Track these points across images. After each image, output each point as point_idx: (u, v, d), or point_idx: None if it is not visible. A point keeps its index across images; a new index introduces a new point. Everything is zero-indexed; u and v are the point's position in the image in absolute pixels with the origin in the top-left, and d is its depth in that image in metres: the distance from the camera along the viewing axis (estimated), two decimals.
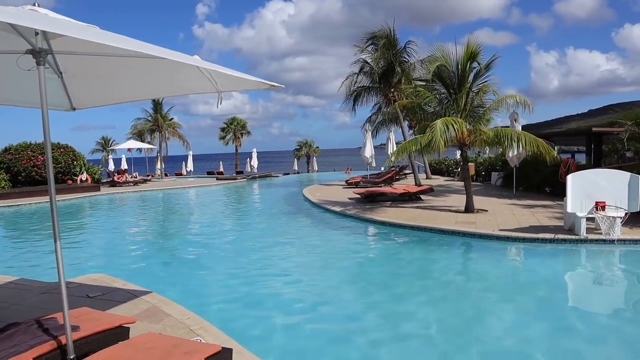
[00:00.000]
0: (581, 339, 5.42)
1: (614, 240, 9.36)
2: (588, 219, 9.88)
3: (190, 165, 41.76)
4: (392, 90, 24.07)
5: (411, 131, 27.41)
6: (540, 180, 17.85)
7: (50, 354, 3.89)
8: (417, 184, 21.72)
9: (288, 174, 42.26)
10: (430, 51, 14.45)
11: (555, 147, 18.81)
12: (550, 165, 15.78)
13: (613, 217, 9.51)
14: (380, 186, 21.11)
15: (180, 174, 42.86)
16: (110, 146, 49.94)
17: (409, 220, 12.27)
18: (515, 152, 16.54)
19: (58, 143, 27.55)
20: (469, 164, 25.44)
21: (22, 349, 3.82)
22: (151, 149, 39.96)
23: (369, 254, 10.52)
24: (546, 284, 7.76)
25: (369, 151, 24.10)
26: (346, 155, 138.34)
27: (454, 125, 12.38)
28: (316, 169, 45.19)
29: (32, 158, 25.67)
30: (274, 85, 4.28)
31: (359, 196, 17.12)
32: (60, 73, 4.58)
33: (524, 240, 9.99)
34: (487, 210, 13.56)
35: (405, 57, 24.17)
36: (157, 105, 40.98)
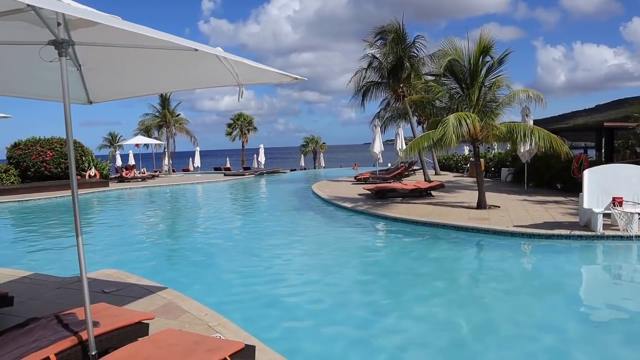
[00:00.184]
0: (611, 336, 5.33)
1: (632, 236, 9.22)
2: (604, 215, 9.75)
3: (197, 161, 41.80)
4: (401, 85, 23.90)
5: (420, 127, 27.27)
6: (552, 176, 17.68)
7: (72, 349, 3.85)
8: (427, 180, 21.58)
9: (295, 170, 42.19)
10: (437, 46, 14.35)
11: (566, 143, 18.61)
12: (561, 161, 15.62)
13: (631, 213, 9.37)
14: (390, 182, 21.01)
15: (188, 170, 42.91)
16: (118, 142, 50.09)
17: (422, 216, 12.16)
18: (527, 148, 16.36)
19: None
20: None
21: (43, 344, 3.78)
22: (159, 144, 39.99)
23: (386, 251, 10.36)
24: (567, 281, 7.68)
25: (378, 147, 23.97)
26: (352, 151, 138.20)
27: (467, 121, 12.24)
28: (323, 165, 45.10)
29: (41, 153, 25.71)
30: (297, 78, 4.20)
31: (369, 192, 17.02)
32: (79, 65, 4.52)
33: (539, 236, 9.87)
34: (499, 207, 13.43)
35: (414, 52, 24.01)
36: (164, 100, 41.00)
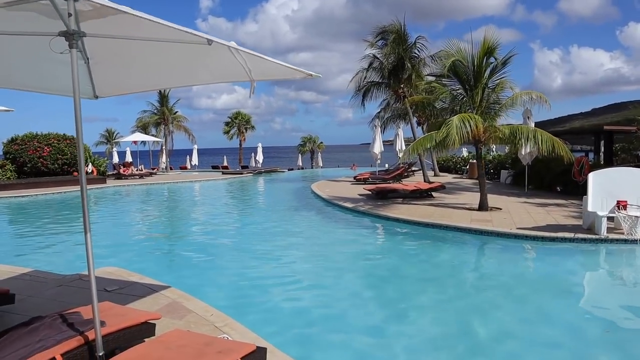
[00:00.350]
0: (623, 341, 5.26)
1: (637, 240, 9.18)
2: (608, 219, 9.71)
3: (195, 159, 41.60)
4: (401, 86, 23.83)
5: (419, 128, 27.22)
6: (552, 179, 17.66)
7: (78, 350, 3.75)
8: (426, 181, 21.53)
9: (292, 169, 42.07)
10: (436, 47, 14.30)
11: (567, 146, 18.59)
12: (562, 164, 15.58)
13: (635, 216, 9.33)
14: (389, 183, 20.94)
15: (185, 168, 42.70)
16: (115, 139, 49.85)
17: (424, 217, 12.10)
18: (528, 150, 16.32)
19: (64, 134, 27.39)
20: None
21: (48, 344, 3.67)
22: (157, 142, 39.79)
23: (391, 252, 10.19)
24: (573, 285, 7.66)
25: (378, 147, 23.89)
26: (349, 151, 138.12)
27: (470, 122, 12.18)
28: (321, 165, 45.01)
29: (38, 149, 25.52)
30: (311, 75, 4.11)
31: (369, 192, 16.94)
32: (87, 59, 4.42)
33: (542, 239, 9.82)
34: (500, 209, 13.38)
35: (415, 53, 23.95)
36: (163, 98, 40.79)
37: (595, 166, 15.89)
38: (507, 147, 28.11)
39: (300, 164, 45.40)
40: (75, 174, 26.44)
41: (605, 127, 20.52)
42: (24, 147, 25.35)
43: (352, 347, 5.13)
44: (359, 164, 40.94)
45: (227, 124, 45.77)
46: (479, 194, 13.65)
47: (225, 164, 42.67)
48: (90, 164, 27.30)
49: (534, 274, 8.30)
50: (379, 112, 29.02)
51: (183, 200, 21.37)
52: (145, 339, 4.40)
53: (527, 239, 9.97)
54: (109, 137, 54.74)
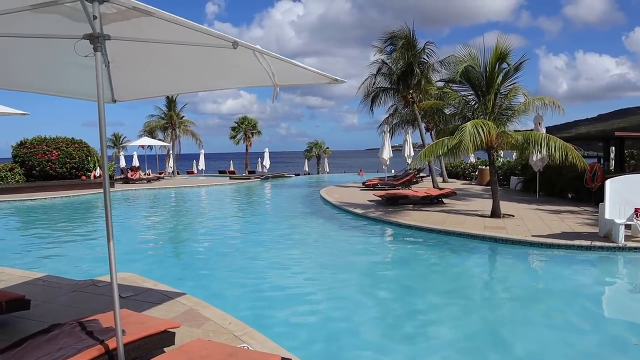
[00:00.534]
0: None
1: None
2: (625, 226, 9.55)
3: (201, 164, 41.60)
4: (410, 91, 23.73)
5: (428, 133, 27.11)
6: (564, 185, 17.48)
7: (99, 358, 3.66)
8: (436, 187, 21.39)
9: (299, 174, 41.97)
10: (443, 53, 14.20)
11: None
12: (574, 170, 15.40)
13: None
14: (399, 189, 20.82)
15: (192, 172, 42.71)
16: (122, 143, 49.97)
17: (436, 224, 11.97)
18: (540, 157, 16.18)
19: (72, 138, 27.44)
20: (487, 168, 25.13)
21: (69, 353, 3.59)
22: (164, 146, 39.85)
23: (408, 260, 9.90)
24: (594, 295, 7.54)
25: (387, 153, 23.78)
26: (355, 157, 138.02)
27: (483, 128, 12.07)
28: (327, 171, 44.89)
29: (47, 153, 25.56)
30: (336, 80, 4.02)
31: (379, 198, 16.83)
32: (108, 62, 4.36)
33: (558, 247, 9.67)
34: (513, 215, 13.24)
35: (424, 58, 23.86)
36: (170, 102, 40.90)
37: (607, 173, 15.72)
38: (515, 153, 28.02)
39: (307, 169, 45.28)
40: (84, 178, 26.48)
41: (617, 134, 20.33)
42: (32, 150, 25.39)
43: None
44: (365, 170, 40.83)
45: (233, 128, 45.80)
46: (489, 200, 13.51)
47: (231, 168, 42.68)
48: (98, 167, 27.32)
49: (555, 283, 8.11)
50: (387, 118, 28.93)
51: (192, 206, 21.32)
52: (165, 348, 4.32)
53: (543, 247, 9.82)
54: (116, 141, 54.95)
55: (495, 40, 13.17)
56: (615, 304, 7.41)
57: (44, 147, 25.62)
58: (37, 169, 25.24)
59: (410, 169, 24.21)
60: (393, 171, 29.60)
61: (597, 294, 7.73)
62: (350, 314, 6.47)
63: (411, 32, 23.32)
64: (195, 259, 10.27)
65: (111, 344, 3.76)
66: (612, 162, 20.82)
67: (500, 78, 13.40)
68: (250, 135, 45.45)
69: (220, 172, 42.41)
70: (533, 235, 10.32)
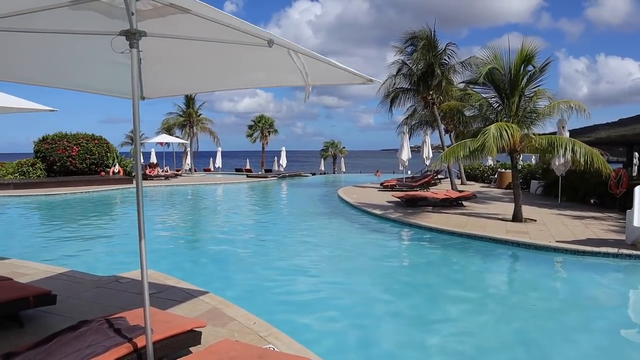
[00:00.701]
0: None
1: None
2: None
3: (218, 162, 41.80)
4: (430, 92, 23.52)
5: (447, 135, 26.85)
6: (587, 191, 17.15)
7: (128, 357, 3.64)
8: (454, 189, 21.16)
9: (315, 174, 41.94)
10: (462, 54, 14.00)
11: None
12: (597, 175, 15.08)
13: None
14: (417, 190, 20.64)
15: (209, 170, 42.95)
16: (141, 140, 50.40)
17: (458, 227, 11.81)
18: (563, 161, 15.87)
19: (93, 135, 27.80)
20: (506, 171, 24.81)
21: (98, 351, 3.58)
22: (182, 144, 40.12)
23: (430, 264, 9.68)
24: (623, 304, 7.32)
25: (406, 154, 23.61)
26: (371, 157, 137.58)
27: (507, 131, 11.88)
28: (343, 170, 44.76)
29: (68, 148, 25.92)
30: (371, 80, 3.95)
31: (398, 200, 16.69)
32: (140, 59, 4.34)
33: (584, 253, 9.46)
34: (535, 220, 13.01)
35: (445, 60, 23.62)
36: (189, 100, 41.16)
37: (630, 179, 15.37)
38: (533, 157, 27.56)
39: (323, 168, 45.20)
40: (103, 174, 26.78)
41: None
42: (54, 146, 25.78)
43: None
44: (382, 170, 40.64)
45: (250, 127, 45.91)
46: (509, 204, 13.30)
47: (248, 166, 42.81)
48: (117, 164, 27.63)
49: (578, 291, 7.93)
50: (406, 119, 28.73)
51: (210, 203, 21.40)
52: (191, 348, 4.29)
53: (567, 253, 9.61)
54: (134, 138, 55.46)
55: (521, 42, 12.98)
56: None
57: (65, 143, 25.99)
58: (58, 164, 25.62)
59: (429, 171, 23.98)
60: (410, 172, 29.39)
61: (627, 303, 7.53)
62: (375, 321, 6.35)
63: (432, 32, 23.12)
64: (214, 258, 10.23)
65: (139, 342, 3.74)
66: (636, 168, 20.39)
67: (524, 80, 13.18)
68: (267, 134, 45.52)
69: (237, 170, 42.56)
70: (557, 241, 10.12)
